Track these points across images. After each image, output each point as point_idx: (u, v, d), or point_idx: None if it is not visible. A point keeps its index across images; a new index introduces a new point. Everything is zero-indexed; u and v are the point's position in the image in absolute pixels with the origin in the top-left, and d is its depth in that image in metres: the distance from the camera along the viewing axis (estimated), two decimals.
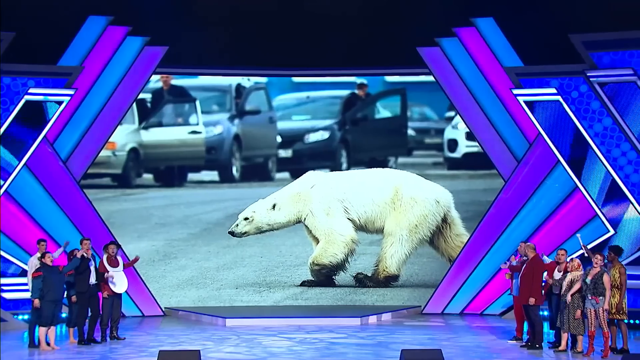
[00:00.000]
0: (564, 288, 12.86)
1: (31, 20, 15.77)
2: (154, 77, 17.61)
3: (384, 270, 17.56)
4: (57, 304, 13.45)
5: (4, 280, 15.60)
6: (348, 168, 18.42)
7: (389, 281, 17.65)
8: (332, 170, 18.41)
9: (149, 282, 17.32)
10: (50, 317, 13.30)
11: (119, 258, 14.46)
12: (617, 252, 13.39)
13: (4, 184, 15.94)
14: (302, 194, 17.73)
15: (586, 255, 13.21)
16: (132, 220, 17.78)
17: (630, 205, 15.95)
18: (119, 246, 14.78)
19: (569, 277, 12.86)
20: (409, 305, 17.56)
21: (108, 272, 14.12)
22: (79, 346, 13.75)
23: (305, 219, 17.59)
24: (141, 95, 17.65)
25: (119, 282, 14.26)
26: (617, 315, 12.95)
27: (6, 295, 15.55)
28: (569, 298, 12.76)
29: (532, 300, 13.29)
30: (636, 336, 14.66)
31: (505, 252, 16.19)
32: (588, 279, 12.65)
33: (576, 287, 12.76)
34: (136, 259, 15.29)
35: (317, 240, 17.64)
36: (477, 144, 17.46)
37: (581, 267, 13.07)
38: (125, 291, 14.73)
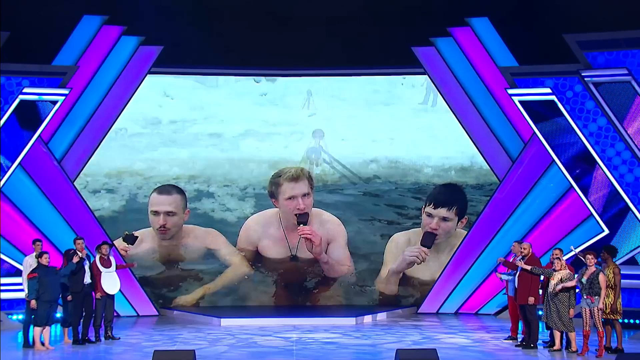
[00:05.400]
0: (551, 287, 12.85)
1: (26, 20, 15.75)
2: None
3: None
4: (53, 304, 13.41)
5: None
6: None
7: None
8: None
9: (144, 281, 17.30)
10: (45, 317, 13.26)
11: (112, 258, 14.41)
12: (611, 252, 13.36)
13: None
14: None
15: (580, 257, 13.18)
16: (127, 220, 17.74)
17: (625, 204, 15.98)
18: (111, 246, 14.75)
19: (557, 275, 12.83)
20: (404, 305, 17.59)
21: (101, 272, 14.10)
22: (73, 346, 13.71)
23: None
24: None
25: (111, 283, 14.22)
26: (611, 315, 12.95)
27: (1, 295, 15.52)
28: (554, 287, 12.71)
29: (531, 300, 13.28)
30: (630, 336, 14.68)
31: (500, 252, 16.21)
32: (584, 279, 12.65)
33: (569, 284, 12.74)
34: (132, 265, 15.53)
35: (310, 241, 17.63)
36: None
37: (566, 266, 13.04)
38: (119, 291, 14.70)
